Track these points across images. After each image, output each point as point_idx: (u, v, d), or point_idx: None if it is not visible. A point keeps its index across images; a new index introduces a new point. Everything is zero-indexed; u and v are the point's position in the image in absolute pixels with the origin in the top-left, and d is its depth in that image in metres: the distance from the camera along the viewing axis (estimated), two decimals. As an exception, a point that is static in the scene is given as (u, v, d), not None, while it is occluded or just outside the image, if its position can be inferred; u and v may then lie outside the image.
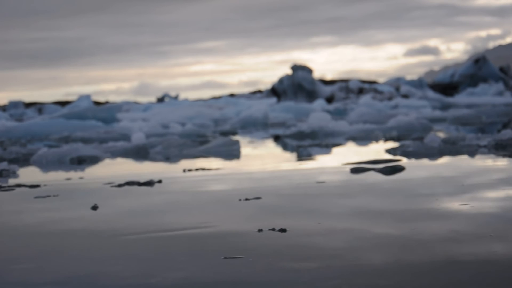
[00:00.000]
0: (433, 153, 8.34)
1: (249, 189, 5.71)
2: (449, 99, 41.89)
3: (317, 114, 13.98)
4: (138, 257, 3.30)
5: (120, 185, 6.25)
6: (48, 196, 5.72)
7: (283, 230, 3.77)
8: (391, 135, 12.30)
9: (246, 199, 5.00)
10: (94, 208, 4.92)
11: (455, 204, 4.45)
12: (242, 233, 3.78)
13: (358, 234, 3.63)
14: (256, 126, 20.95)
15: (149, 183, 6.30)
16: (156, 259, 3.25)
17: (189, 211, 4.72)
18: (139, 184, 6.28)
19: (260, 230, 3.79)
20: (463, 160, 7.71)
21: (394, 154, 8.43)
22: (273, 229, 3.81)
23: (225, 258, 3.20)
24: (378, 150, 9.78)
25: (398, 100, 34.18)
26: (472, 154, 8.16)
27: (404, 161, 7.57)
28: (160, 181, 6.42)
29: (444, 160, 7.79)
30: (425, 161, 7.65)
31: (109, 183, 6.44)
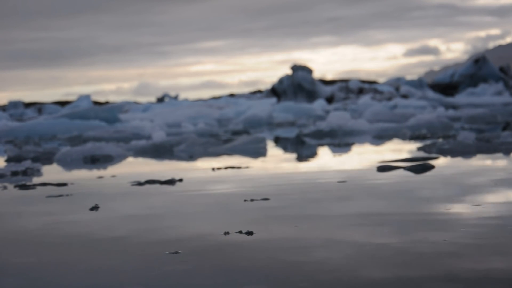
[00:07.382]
0: (470, 151, 8.12)
1: (265, 189, 5.43)
2: (449, 99, 41.75)
3: (336, 113, 13.76)
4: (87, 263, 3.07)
5: (140, 184, 6.02)
6: (61, 195, 5.43)
7: (249, 233, 3.53)
8: (415, 134, 12.10)
9: (252, 200, 4.72)
10: (94, 208, 4.63)
11: (474, 209, 4.02)
12: (205, 235, 3.56)
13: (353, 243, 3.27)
14: (261, 126, 20.70)
15: (171, 182, 6.06)
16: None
17: (185, 211, 4.47)
18: (160, 182, 6.04)
19: (226, 233, 3.55)
20: (501, 158, 7.51)
21: (429, 152, 8.20)
22: (240, 232, 3.57)
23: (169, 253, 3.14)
24: (409, 148, 9.56)
25: (398, 100, 33.99)
26: (509, 152, 7.96)
27: (440, 159, 7.35)
28: (181, 180, 6.16)
29: (480, 158, 7.58)
30: (461, 159, 7.44)
31: (133, 182, 6.16)
